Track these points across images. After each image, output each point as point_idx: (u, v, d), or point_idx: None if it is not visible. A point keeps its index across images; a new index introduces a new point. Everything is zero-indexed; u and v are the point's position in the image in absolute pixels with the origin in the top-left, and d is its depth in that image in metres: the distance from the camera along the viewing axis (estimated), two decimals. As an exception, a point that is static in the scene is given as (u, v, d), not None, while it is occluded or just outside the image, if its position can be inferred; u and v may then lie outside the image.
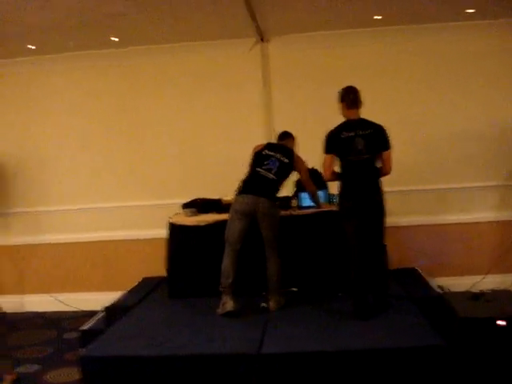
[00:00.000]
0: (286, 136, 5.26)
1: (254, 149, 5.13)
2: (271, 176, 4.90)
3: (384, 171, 4.59)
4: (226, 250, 4.86)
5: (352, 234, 4.53)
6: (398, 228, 6.27)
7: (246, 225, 4.83)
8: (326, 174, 4.68)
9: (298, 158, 5.11)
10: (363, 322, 4.37)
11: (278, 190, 5.01)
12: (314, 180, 5.25)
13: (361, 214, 4.51)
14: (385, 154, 4.55)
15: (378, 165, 4.59)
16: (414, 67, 6.38)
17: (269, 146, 5.15)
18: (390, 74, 6.38)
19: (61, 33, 5.74)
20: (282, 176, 5.00)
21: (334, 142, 4.53)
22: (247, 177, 5.00)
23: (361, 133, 4.47)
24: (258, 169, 4.95)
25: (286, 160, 4.99)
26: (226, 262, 4.81)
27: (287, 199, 5.63)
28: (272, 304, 4.89)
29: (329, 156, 4.57)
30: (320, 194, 5.44)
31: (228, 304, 4.69)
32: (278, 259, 4.92)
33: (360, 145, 4.45)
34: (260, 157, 5.02)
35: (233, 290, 4.75)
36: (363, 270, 4.50)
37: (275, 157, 4.97)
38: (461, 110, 6.34)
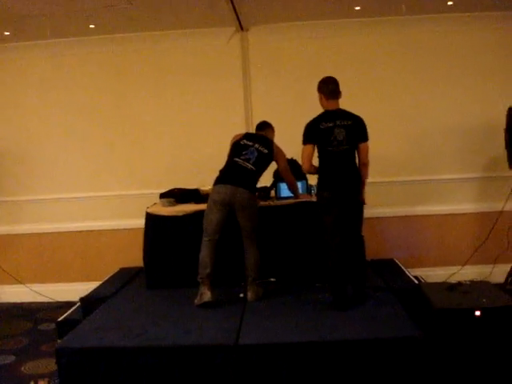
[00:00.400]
0: (264, 126, 5.22)
1: (233, 138, 5.09)
2: (250, 166, 4.85)
3: (362, 162, 4.58)
4: (203, 241, 4.81)
5: (330, 224, 4.52)
6: (376, 219, 6.31)
7: (224, 215, 4.78)
8: (304, 166, 4.62)
9: (278, 148, 5.06)
10: (341, 312, 4.38)
11: (256, 180, 4.96)
12: (292, 171, 5.23)
13: (340, 205, 4.50)
14: (363, 145, 4.54)
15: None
16: (395, 59, 6.39)
17: (247, 135, 5.10)
18: (370, 65, 6.38)
19: (39, 19, 5.65)
20: (261, 166, 4.95)
21: (313, 133, 4.50)
22: (225, 167, 4.95)
23: (340, 123, 4.45)
24: (236, 159, 4.89)
25: (266, 150, 4.95)
26: (204, 253, 4.77)
27: (266, 189, 5.62)
28: (250, 295, 4.86)
29: (308, 146, 4.53)
30: (299, 184, 5.42)
31: (205, 295, 4.66)
32: (257, 250, 4.90)
33: (340, 135, 4.43)
34: (238, 147, 4.96)
35: (211, 281, 4.72)
36: (341, 261, 4.50)
37: (254, 147, 4.92)
38: (442, 104, 6.37)
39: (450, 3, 5.80)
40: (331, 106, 4.54)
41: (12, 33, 6.09)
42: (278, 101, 6.39)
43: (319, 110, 4.61)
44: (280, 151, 5.07)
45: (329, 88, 4.54)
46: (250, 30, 6.43)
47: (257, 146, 4.93)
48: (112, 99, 6.61)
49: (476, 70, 6.30)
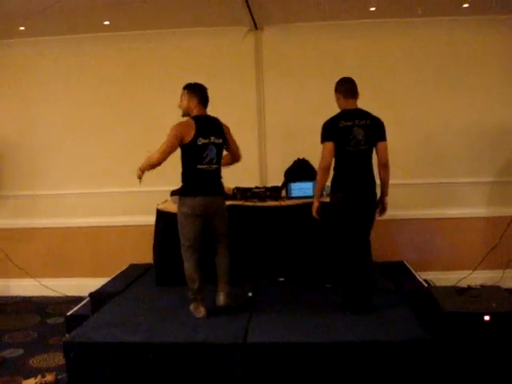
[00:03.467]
0: (208, 98, 4.55)
1: (178, 129, 4.39)
2: (214, 166, 4.44)
3: (382, 162, 4.47)
4: (184, 253, 4.49)
5: (343, 226, 4.46)
6: (386, 221, 6.25)
7: (201, 225, 4.45)
8: (326, 161, 4.40)
9: (225, 126, 4.57)
10: (350, 314, 4.37)
11: (221, 176, 4.58)
12: (303, 171, 5.19)
13: (354, 207, 4.42)
14: (382, 144, 4.46)
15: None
16: (412, 61, 6.35)
17: (199, 128, 4.37)
18: (385, 66, 6.35)
19: (52, 16, 5.67)
20: (220, 159, 4.52)
21: (332, 131, 4.39)
22: (190, 176, 4.44)
23: (359, 123, 4.38)
24: (200, 166, 4.37)
25: (220, 140, 4.46)
26: (188, 267, 4.48)
27: (277, 189, 5.61)
28: (223, 299, 4.54)
29: (328, 143, 4.37)
30: (310, 185, 5.40)
31: (199, 312, 4.46)
32: (229, 253, 4.64)
33: (359, 135, 4.36)
34: (196, 150, 4.36)
35: (202, 297, 4.50)
36: (353, 264, 4.45)
37: (210, 143, 4.38)
38: (456, 106, 6.32)
39: (465, 5, 5.76)
40: (349, 105, 4.46)
41: (27, 28, 6.12)
42: (291, 100, 6.38)
43: (333, 111, 4.54)
44: (227, 128, 4.57)
45: (346, 87, 4.47)
46: (264, 30, 6.42)
47: (212, 139, 4.39)
48: (125, 96, 6.62)
49: (491, 73, 6.26)
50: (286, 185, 5.59)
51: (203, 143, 4.35)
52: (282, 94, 6.43)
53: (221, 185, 4.58)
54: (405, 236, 6.45)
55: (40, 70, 6.69)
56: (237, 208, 5.32)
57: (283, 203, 5.43)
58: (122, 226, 6.63)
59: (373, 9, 5.83)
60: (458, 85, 6.29)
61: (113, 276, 5.93)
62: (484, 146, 6.31)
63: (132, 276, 5.85)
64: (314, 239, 5.27)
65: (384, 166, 4.49)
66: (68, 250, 6.75)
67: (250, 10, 5.72)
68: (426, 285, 5.28)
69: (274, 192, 5.59)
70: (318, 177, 4.51)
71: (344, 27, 6.31)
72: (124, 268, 6.21)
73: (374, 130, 4.43)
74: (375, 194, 4.54)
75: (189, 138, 4.34)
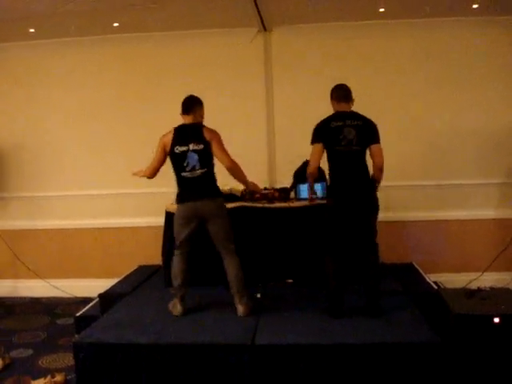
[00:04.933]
0: (190, 107, 4.62)
1: (161, 140, 4.58)
2: (198, 172, 4.46)
3: (377, 166, 4.40)
4: (174, 253, 4.66)
5: (334, 230, 4.42)
6: (396, 223, 6.28)
7: (194, 228, 4.54)
8: (311, 165, 4.43)
9: (209, 132, 4.53)
10: (359, 316, 4.35)
11: (214, 179, 4.58)
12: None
13: (348, 212, 4.38)
14: (375, 147, 4.40)
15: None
16: (419, 62, 6.33)
17: (177, 137, 4.52)
18: (392, 67, 6.34)
19: (62, 17, 5.70)
20: (208, 162, 4.51)
21: (323, 132, 4.39)
22: (178, 184, 4.59)
23: (350, 123, 4.36)
24: (183, 174, 4.48)
25: (201, 145, 4.46)
26: (175, 265, 4.63)
27: (285, 190, 5.61)
28: (241, 309, 4.53)
29: (316, 145, 4.38)
30: (318, 186, 5.38)
31: (175, 309, 4.58)
32: (236, 259, 4.59)
33: (350, 134, 4.33)
34: (176, 158, 4.49)
35: (182, 295, 4.59)
36: (340, 269, 4.41)
37: (190, 150, 4.45)
38: (464, 107, 6.30)
39: (475, 6, 5.75)
40: (341, 108, 4.47)
41: (37, 30, 6.16)
42: (300, 102, 6.38)
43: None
44: (211, 133, 4.53)
45: (338, 94, 4.50)
46: (273, 31, 6.43)
47: (191, 146, 4.45)
48: (133, 97, 6.63)
49: (499, 74, 6.24)
50: (295, 186, 5.59)
51: (181, 151, 4.47)
52: (291, 95, 6.43)
53: (211, 188, 4.56)
54: (414, 238, 6.42)
55: (46, 72, 6.72)
56: (245, 209, 5.33)
57: (292, 204, 5.43)
58: (131, 227, 6.65)
59: (382, 10, 5.83)
60: (465, 86, 6.27)
61: (122, 277, 5.95)
62: (492, 147, 6.28)
63: (141, 277, 5.86)
64: (322, 241, 5.25)
65: (380, 170, 4.42)
66: (77, 250, 6.77)
67: (258, 12, 5.73)
68: (435, 287, 5.26)
69: (282, 193, 5.59)
70: (308, 180, 4.62)
71: (353, 28, 6.30)
72: (133, 269, 6.22)
73: (366, 131, 4.39)
74: (370, 195, 4.45)
75: (168, 147, 4.53)
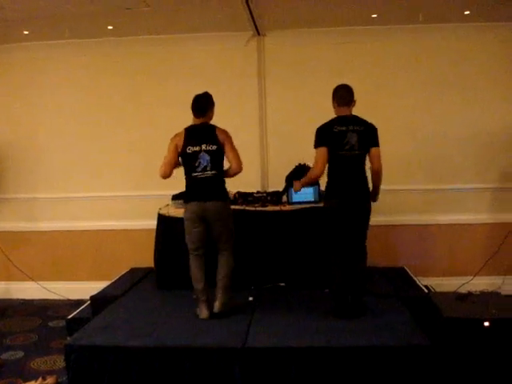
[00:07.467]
0: (204, 108, 4.66)
1: (173, 140, 4.64)
2: (209, 173, 4.52)
3: (375, 168, 4.50)
4: (190, 256, 4.68)
5: (336, 232, 4.47)
6: (387, 227, 6.30)
7: (203, 229, 4.59)
8: (318, 168, 4.44)
9: (222, 133, 4.61)
10: (350, 319, 4.37)
11: (223, 181, 4.65)
12: (304, 176, 5.18)
13: (347, 213, 4.43)
14: (375, 150, 4.48)
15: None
16: (412, 67, 6.36)
17: (189, 137, 4.58)
18: (386, 72, 6.38)
19: (56, 20, 5.70)
20: (219, 164, 4.60)
21: (326, 136, 4.42)
22: (188, 183, 4.63)
23: (353, 128, 4.41)
24: (194, 174, 4.53)
25: (214, 147, 4.53)
26: (193, 267, 4.65)
27: (277, 194, 5.63)
28: (218, 305, 4.59)
29: (322, 149, 4.41)
30: (311, 190, 5.42)
31: (203, 313, 4.55)
32: (232, 259, 4.68)
33: (353, 139, 4.38)
34: (188, 158, 4.55)
35: (206, 298, 4.58)
36: (345, 270, 4.45)
37: (202, 151, 4.51)
38: (456, 112, 6.34)
39: (466, 12, 5.79)
40: (342, 112, 4.49)
41: (31, 32, 6.15)
42: (293, 106, 6.41)
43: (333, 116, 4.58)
44: (224, 135, 4.60)
45: (339, 94, 4.52)
46: (266, 35, 6.45)
47: (204, 147, 4.51)
48: (129, 100, 6.64)
49: (492, 79, 6.27)
50: (286, 190, 5.60)
51: (193, 151, 4.53)
52: (284, 99, 6.45)
53: (220, 190, 4.62)
54: (405, 242, 6.44)
55: (43, 74, 6.71)
56: (238, 212, 5.33)
57: (284, 208, 5.45)
58: (124, 229, 6.64)
59: (374, 16, 5.86)
60: (458, 91, 6.31)
61: (114, 279, 5.94)
62: (485, 151, 6.32)
63: (133, 279, 5.86)
64: (314, 244, 5.28)
65: (377, 172, 4.52)
66: (69, 253, 6.76)
67: (252, 17, 5.74)
68: (426, 291, 5.28)
69: (274, 197, 5.61)
70: (306, 179, 4.67)
71: (346, 33, 6.33)
72: (125, 271, 6.22)
73: (368, 135, 4.46)
74: (368, 199, 4.54)
75: (180, 147, 4.58)
